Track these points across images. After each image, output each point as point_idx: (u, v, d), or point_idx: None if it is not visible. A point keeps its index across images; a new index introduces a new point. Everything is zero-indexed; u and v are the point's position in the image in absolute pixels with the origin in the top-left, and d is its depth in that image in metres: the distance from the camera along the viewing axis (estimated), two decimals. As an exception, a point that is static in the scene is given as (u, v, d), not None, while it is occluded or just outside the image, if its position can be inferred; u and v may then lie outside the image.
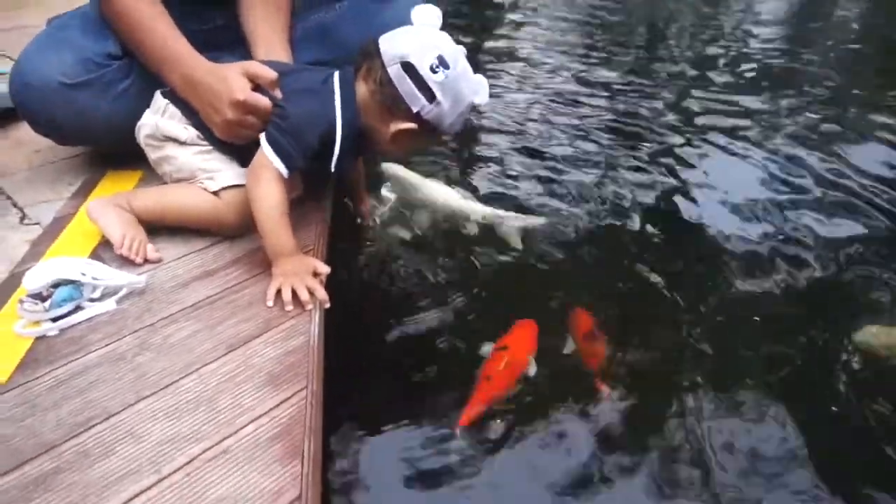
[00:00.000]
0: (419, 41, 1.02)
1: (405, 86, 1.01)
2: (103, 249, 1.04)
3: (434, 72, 1.01)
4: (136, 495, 0.66)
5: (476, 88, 1.07)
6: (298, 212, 1.14)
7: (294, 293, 0.96)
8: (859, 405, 1.13)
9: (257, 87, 1.05)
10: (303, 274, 0.98)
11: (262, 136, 1.01)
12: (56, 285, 0.89)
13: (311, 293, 0.96)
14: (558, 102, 2.52)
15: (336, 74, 1.07)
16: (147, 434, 0.73)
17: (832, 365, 1.21)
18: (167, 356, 0.85)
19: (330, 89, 1.05)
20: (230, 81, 1.03)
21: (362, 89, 1.06)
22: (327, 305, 0.98)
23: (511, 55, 3.15)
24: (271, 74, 1.04)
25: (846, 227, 1.68)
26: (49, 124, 1.17)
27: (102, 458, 0.70)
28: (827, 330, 1.31)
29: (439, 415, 1.06)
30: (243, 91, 1.02)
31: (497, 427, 1.05)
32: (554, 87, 2.72)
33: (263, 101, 1.03)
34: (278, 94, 1.05)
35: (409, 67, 1.01)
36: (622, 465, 1.00)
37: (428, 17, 1.06)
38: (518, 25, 3.84)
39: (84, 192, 1.22)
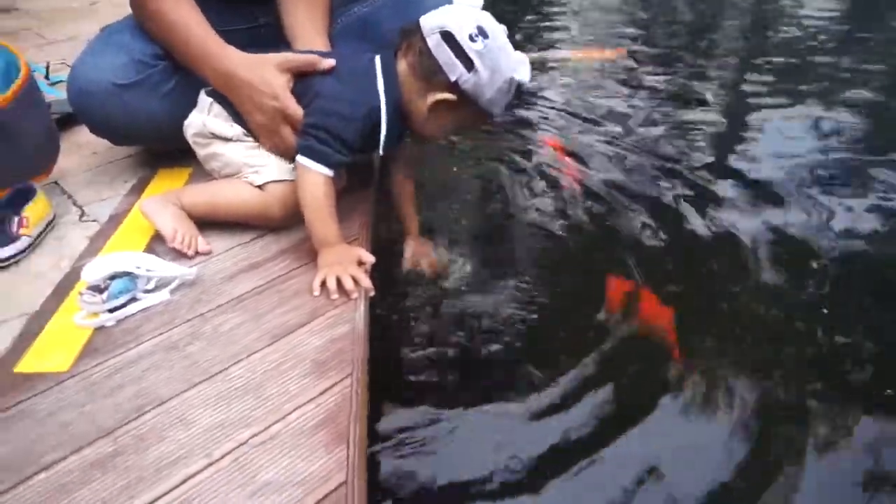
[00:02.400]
0: (459, 13, 1.02)
1: (443, 54, 1.00)
2: (157, 243, 1.07)
3: (473, 40, 0.99)
4: (188, 478, 0.68)
5: (517, 65, 1.04)
6: (343, 202, 1.15)
7: (339, 283, 0.96)
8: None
9: (299, 76, 1.07)
10: (347, 263, 0.99)
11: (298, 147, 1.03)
12: (112, 277, 0.92)
13: (356, 282, 0.97)
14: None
15: (378, 57, 1.07)
16: (197, 420, 0.75)
17: None
18: (216, 345, 0.87)
19: (372, 72, 1.05)
20: (271, 80, 1.05)
21: (402, 66, 1.06)
22: (372, 294, 0.98)
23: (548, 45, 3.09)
24: (310, 58, 1.05)
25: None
26: (105, 125, 1.22)
27: (156, 442, 0.72)
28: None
29: (484, 398, 1.06)
30: (283, 91, 1.05)
31: (557, 410, 1.04)
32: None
33: (299, 112, 1.05)
34: (319, 80, 1.06)
35: (448, 36, 1.00)
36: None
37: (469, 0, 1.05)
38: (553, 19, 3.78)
39: (138, 190, 1.26)
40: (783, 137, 2.05)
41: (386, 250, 1.30)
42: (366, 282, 0.97)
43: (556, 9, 3.83)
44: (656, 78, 2.60)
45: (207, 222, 1.11)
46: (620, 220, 1.57)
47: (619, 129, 2.10)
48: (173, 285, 0.97)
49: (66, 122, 1.53)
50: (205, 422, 0.75)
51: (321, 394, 0.79)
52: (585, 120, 2.19)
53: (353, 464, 0.70)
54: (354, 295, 0.95)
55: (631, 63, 2.79)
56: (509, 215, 1.60)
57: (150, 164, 1.37)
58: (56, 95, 1.63)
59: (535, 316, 1.24)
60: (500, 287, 1.31)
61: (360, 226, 1.15)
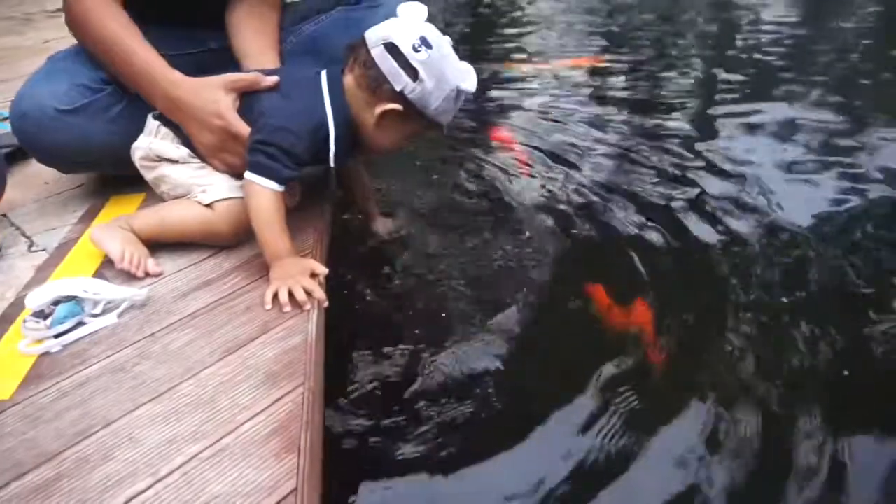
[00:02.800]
0: (403, 25, 1.04)
1: (388, 65, 1.02)
2: (106, 269, 1.06)
3: (416, 51, 1.01)
4: (133, 497, 0.66)
5: (463, 75, 1.06)
6: (298, 215, 1.16)
7: (291, 295, 0.96)
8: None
9: (245, 96, 1.07)
10: (299, 276, 0.98)
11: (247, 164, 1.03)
12: (57, 303, 0.90)
13: (309, 294, 0.96)
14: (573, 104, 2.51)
15: (324, 72, 1.08)
16: (145, 438, 0.73)
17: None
18: (166, 364, 0.85)
19: (318, 86, 1.06)
20: (216, 99, 1.05)
21: (349, 80, 1.08)
22: (325, 305, 0.98)
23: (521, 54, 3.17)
24: (253, 77, 1.06)
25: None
26: (50, 151, 1.20)
27: (101, 463, 0.70)
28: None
29: (441, 405, 1.05)
30: (228, 110, 1.05)
31: (518, 412, 1.04)
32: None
33: (245, 129, 1.06)
34: (265, 95, 1.07)
35: (391, 48, 1.02)
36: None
37: (413, 12, 1.07)
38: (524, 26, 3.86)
39: (88, 218, 1.25)
40: (753, 139, 2.10)
41: (342, 262, 1.31)
42: (319, 293, 0.97)
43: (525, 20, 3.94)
44: (625, 84, 2.68)
45: (158, 245, 1.10)
46: (592, 220, 1.62)
47: (590, 132, 2.17)
48: (122, 308, 0.95)
49: (16, 155, 1.51)
50: (153, 440, 0.73)
51: (273, 403, 0.78)
52: (556, 122, 2.28)
53: (304, 471, 0.69)
54: (307, 306, 0.95)
55: (602, 70, 2.88)
56: (463, 203, 1.69)
57: (101, 192, 1.35)
58: (5, 129, 1.61)
59: (497, 314, 1.25)
60: (457, 298, 1.31)
61: (315, 239, 1.15)
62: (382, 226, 1.50)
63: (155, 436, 0.74)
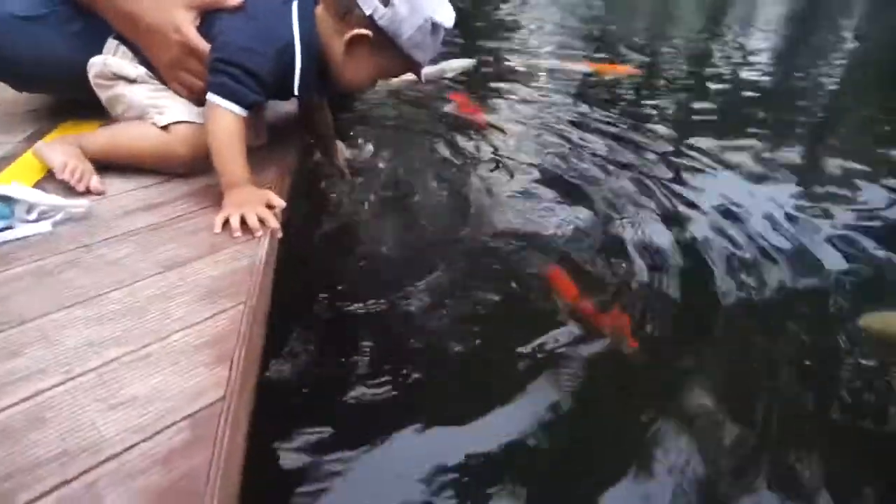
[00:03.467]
0: None
1: None
2: (48, 182, 0.99)
3: None
4: (39, 392, 0.60)
5: (438, 6, 1.01)
6: (262, 154, 1.11)
7: (244, 223, 0.90)
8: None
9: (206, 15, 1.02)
10: (255, 203, 0.93)
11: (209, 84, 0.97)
12: (-15, 201, 0.83)
13: (262, 223, 0.91)
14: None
15: (295, 1, 1.03)
16: (62, 340, 0.67)
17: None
18: (97, 272, 0.79)
19: (287, 10, 1.01)
20: (173, 13, 1.00)
21: (319, 9, 1.03)
22: (279, 235, 0.92)
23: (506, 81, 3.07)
24: None
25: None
26: (5, 60, 1.12)
27: (7, 359, 0.63)
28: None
29: (392, 361, 1.01)
30: (187, 24, 1.00)
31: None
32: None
33: (205, 45, 1.00)
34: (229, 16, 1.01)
35: None
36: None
37: None
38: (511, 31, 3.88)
39: (37, 137, 1.17)
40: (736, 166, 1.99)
41: (303, 212, 1.26)
42: (273, 222, 0.91)
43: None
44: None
45: (106, 167, 1.03)
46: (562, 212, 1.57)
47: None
48: (58, 217, 0.88)
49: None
50: (70, 342, 0.67)
51: (209, 317, 0.72)
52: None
53: (235, 383, 0.63)
54: (259, 233, 0.89)
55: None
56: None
57: (53, 118, 1.27)
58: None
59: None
60: (423, 260, 1.27)
61: (277, 176, 1.10)
62: (341, 153, 1.47)
63: (73, 338, 0.67)
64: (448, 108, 2.33)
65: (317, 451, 0.86)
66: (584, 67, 3.17)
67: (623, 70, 3.21)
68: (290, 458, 0.86)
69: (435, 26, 1.00)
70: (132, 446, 0.55)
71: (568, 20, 4.56)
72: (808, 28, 4.85)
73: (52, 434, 0.55)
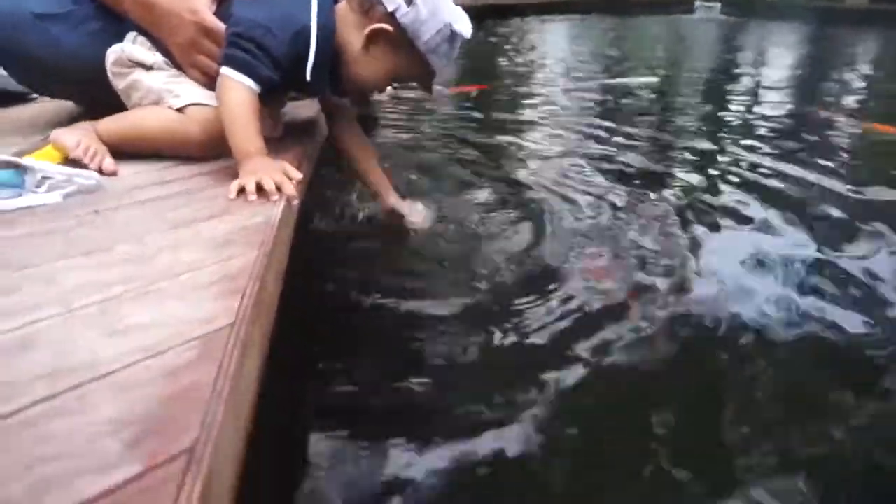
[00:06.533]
0: None
1: None
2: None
3: None
4: (32, 322, 0.54)
5: (459, 16, 1.03)
6: (278, 144, 1.09)
7: (261, 188, 0.86)
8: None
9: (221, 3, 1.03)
10: (272, 171, 0.89)
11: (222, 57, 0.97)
12: (-5, 168, 0.81)
13: (279, 189, 0.87)
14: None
15: None
16: (63, 281, 0.62)
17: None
18: (106, 230, 0.75)
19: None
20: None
21: (341, 4, 1.03)
22: (296, 202, 0.88)
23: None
24: None
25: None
26: (23, 60, 1.13)
27: (3, 295, 0.59)
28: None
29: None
30: (203, 7, 1.01)
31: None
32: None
33: (220, 24, 1.00)
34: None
35: None
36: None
37: None
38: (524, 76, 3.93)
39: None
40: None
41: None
42: (289, 187, 0.87)
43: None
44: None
45: (121, 153, 1.01)
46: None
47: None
48: (68, 189, 0.85)
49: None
50: (71, 281, 0.62)
51: (220, 261, 0.67)
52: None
53: (246, 312, 0.57)
54: (275, 197, 0.85)
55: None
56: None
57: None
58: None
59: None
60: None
61: (295, 160, 1.06)
62: (414, 213, 1.33)
63: (75, 279, 0.62)
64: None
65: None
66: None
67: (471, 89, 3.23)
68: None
69: (454, 34, 1.01)
70: (132, 363, 0.49)
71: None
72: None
73: (45, 356, 0.50)
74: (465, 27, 1.03)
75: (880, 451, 0.81)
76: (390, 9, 0.98)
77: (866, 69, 4.56)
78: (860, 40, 6.45)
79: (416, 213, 1.33)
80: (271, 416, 0.62)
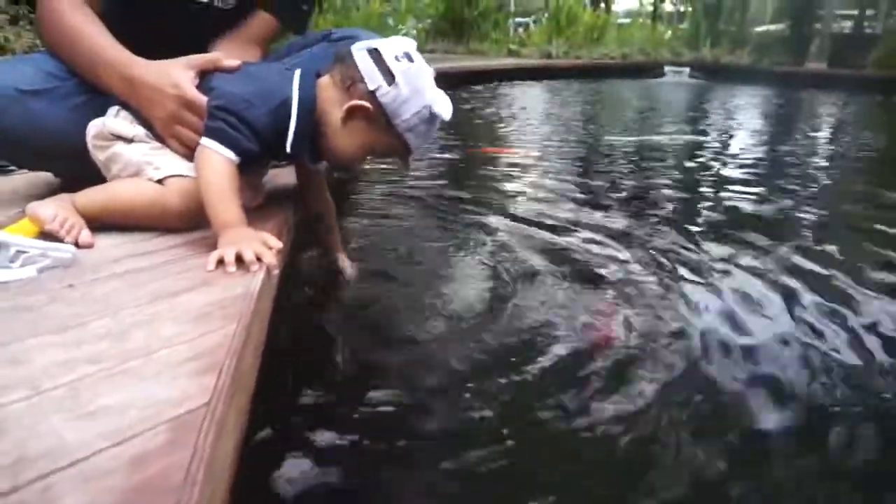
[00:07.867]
0: (391, 40, 1.04)
1: (366, 65, 1.00)
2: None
3: (398, 60, 1.00)
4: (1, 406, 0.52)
5: (439, 98, 1.03)
6: (258, 213, 1.09)
7: (240, 259, 0.86)
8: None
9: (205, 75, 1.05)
10: (251, 241, 0.89)
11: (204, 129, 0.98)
12: (-33, 244, 0.79)
13: (259, 260, 0.86)
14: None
15: (299, 69, 1.06)
16: (32, 359, 0.60)
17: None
18: (79, 304, 0.73)
19: (289, 74, 1.04)
20: (172, 72, 1.03)
21: (324, 78, 1.05)
22: (276, 272, 0.87)
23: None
24: (214, 56, 1.03)
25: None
26: (6, 134, 1.13)
27: (-32, 378, 0.57)
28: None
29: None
30: (185, 81, 1.02)
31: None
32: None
33: (202, 97, 1.02)
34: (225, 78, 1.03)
35: (374, 52, 1.01)
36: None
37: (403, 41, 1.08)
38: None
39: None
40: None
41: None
42: (269, 257, 0.87)
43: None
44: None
45: (98, 226, 1.00)
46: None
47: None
48: (44, 263, 0.84)
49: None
50: (40, 363, 0.60)
51: (198, 336, 0.65)
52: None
53: (223, 390, 0.56)
54: (255, 268, 0.84)
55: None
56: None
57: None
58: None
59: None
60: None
61: (275, 229, 1.06)
62: (347, 266, 1.39)
63: (44, 360, 0.60)
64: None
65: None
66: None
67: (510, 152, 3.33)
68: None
69: (433, 116, 1.02)
70: (100, 451, 0.47)
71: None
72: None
73: (7, 444, 0.48)
74: (445, 109, 1.04)
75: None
76: (371, 87, 1.00)
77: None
78: (819, 102, 6.75)
79: (349, 269, 1.39)
80: (249, 499, 0.60)
